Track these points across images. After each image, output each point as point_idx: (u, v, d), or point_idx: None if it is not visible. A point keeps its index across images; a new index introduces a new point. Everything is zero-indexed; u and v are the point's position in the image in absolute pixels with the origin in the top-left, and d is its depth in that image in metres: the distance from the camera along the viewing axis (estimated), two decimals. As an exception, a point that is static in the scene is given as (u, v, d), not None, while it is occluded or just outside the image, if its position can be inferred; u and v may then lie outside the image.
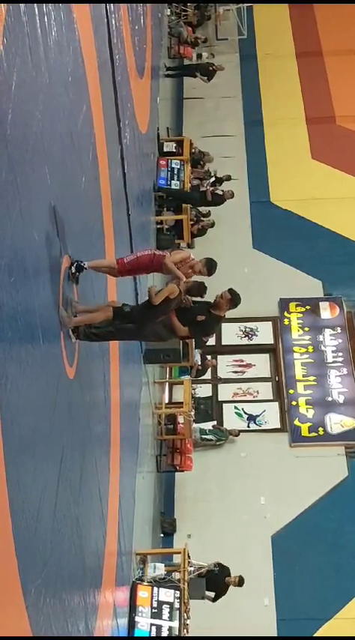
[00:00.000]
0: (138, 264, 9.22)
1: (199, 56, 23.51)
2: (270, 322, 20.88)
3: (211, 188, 20.46)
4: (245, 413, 19.25)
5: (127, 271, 9.34)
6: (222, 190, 20.32)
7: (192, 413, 16.86)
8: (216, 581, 14.38)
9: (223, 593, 14.45)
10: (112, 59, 12.46)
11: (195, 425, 17.48)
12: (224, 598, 14.63)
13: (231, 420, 19.00)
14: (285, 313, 20.91)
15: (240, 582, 14.38)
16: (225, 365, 20.19)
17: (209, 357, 19.05)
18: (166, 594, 12.91)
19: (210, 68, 24.21)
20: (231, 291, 9.24)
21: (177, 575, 13.67)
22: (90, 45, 10.60)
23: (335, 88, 26.40)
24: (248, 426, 18.98)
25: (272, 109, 26.05)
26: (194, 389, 18.28)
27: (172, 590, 13.00)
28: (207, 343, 18.33)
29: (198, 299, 9.70)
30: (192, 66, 25.02)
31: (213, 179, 21.10)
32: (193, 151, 21.54)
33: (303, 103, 26.18)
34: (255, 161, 24.45)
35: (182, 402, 17.02)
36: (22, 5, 6.85)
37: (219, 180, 21.50)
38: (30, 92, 7.16)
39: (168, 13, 25.52)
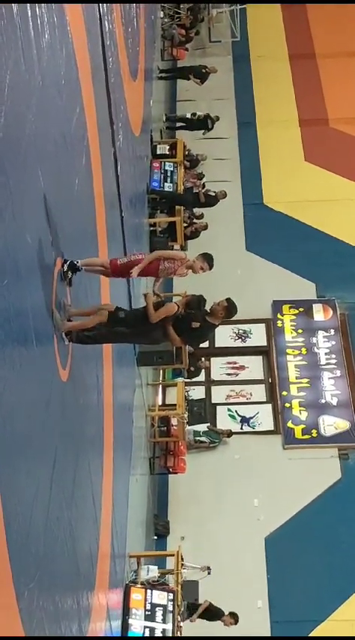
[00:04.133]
0: (132, 266, 9.21)
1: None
2: (263, 324, 20.89)
3: (204, 189, 20.46)
4: (238, 415, 19.25)
5: (120, 273, 9.33)
6: (215, 192, 20.34)
7: (186, 415, 16.86)
8: (210, 617, 14.48)
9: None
10: (105, 61, 12.46)
11: (188, 427, 17.48)
12: (217, 600, 14.66)
13: (224, 422, 19.00)
14: (278, 315, 20.92)
15: (236, 621, 14.45)
16: (219, 367, 20.19)
17: (202, 358, 19.05)
18: (160, 596, 12.91)
19: (203, 70, 24.22)
20: (228, 300, 9.21)
21: (170, 578, 13.67)
22: (83, 47, 10.59)
23: (328, 90, 26.44)
24: (241, 428, 18.98)
25: (265, 111, 26.08)
26: (187, 391, 18.27)
27: (166, 593, 13.00)
28: (200, 346, 18.33)
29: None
30: (185, 68, 25.03)
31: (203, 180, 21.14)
32: (187, 153, 21.55)
33: (296, 106, 26.20)
34: (248, 163, 24.47)
35: (175, 404, 17.01)
36: (14, 7, 6.84)
37: (212, 121, 21.83)
38: (23, 94, 7.16)
39: (162, 16, 25.53)
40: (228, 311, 9.23)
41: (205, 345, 18.85)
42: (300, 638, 15.66)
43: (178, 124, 23.55)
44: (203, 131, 23.26)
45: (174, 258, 9.25)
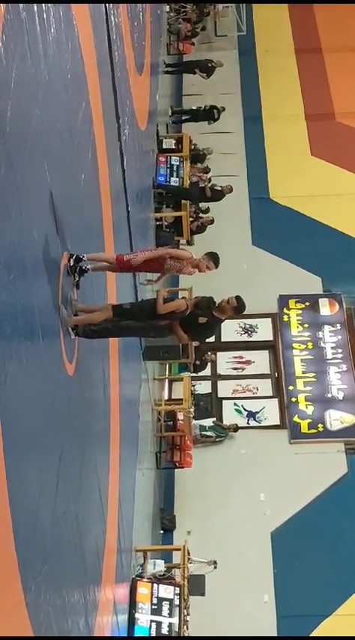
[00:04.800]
0: (137, 267, 9.22)
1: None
2: (270, 319, 20.88)
3: (210, 183, 20.45)
4: (244, 409, 19.25)
5: (126, 268, 9.34)
6: (221, 186, 20.31)
7: (192, 409, 16.87)
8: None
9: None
10: (111, 56, 12.45)
11: (194, 422, 17.49)
12: (224, 594, 14.67)
13: (230, 417, 19.00)
14: (285, 310, 20.91)
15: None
16: (225, 362, 20.19)
17: (209, 352, 19.04)
18: (166, 591, 12.92)
19: (209, 65, 24.19)
20: (238, 298, 9.21)
21: (177, 572, 13.68)
22: (89, 42, 10.59)
23: (335, 84, 26.40)
24: (247, 423, 18.98)
25: (271, 105, 26.06)
26: (193, 385, 18.28)
27: (172, 587, 13.01)
28: (207, 340, 18.31)
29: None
30: (191, 62, 25.01)
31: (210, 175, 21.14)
32: (193, 147, 21.54)
33: (302, 100, 26.18)
34: (255, 158, 24.45)
35: (181, 399, 17.03)
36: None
37: (218, 111, 21.92)
38: (29, 89, 7.16)
39: (167, 10, 25.50)
40: (236, 310, 9.25)
41: (211, 339, 18.85)
42: (300, 638, 15.65)
43: (184, 117, 23.55)
44: (209, 121, 23.25)
45: (181, 258, 9.24)
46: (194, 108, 23.43)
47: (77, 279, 8.76)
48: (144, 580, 12.88)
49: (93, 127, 10.63)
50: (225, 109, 23.20)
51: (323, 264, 21.66)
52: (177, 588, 13.09)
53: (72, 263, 8.60)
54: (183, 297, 9.54)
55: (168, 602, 12.77)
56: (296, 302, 21.04)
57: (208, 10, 27.52)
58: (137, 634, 12.10)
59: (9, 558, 5.94)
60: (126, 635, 11.84)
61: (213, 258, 9.32)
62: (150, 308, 8.88)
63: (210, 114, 23.14)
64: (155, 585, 12.85)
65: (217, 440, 18.28)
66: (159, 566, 13.36)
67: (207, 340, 18.16)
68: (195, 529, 16.70)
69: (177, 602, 12.86)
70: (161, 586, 12.90)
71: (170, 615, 12.69)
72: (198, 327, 9.17)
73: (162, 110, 21.50)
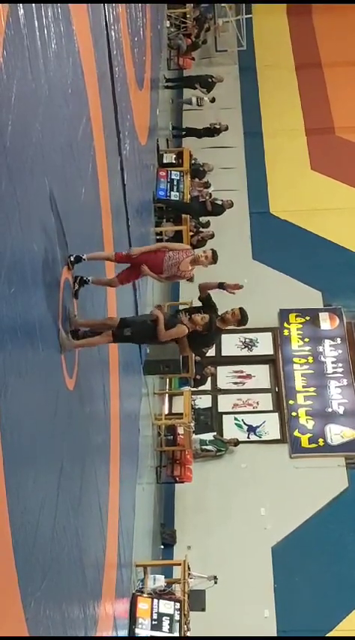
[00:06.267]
0: (136, 258, 9.22)
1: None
2: (270, 333, 20.88)
3: (210, 198, 20.47)
4: (245, 424, 19.23)
5: (126, 260, 9.34)
6: (222, 200, 20.34)
7: (192, 424, 16.84)
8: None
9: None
10: (112, 71, 12.49)
11: (194, 436, 17.46)
12: (224, 609, 14.60)
13: (231, 431, 18.97)
14: (285, 324, 20.91)
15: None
16: (225, 376, 20.17)
17: (209, 366, 19.02)
18: (166, 606, 12.88)
19: (210, 80, 24.26)
20: (241, 311, 9.23)
21: (177, 587, 13.64)
22: (89, 57, 10.62)
23: (334, 99, 26.47)
24: (248, 437, 18.95)
25: (271, 120, 26.13)
26: (194, 400, 18.26)
27: (172, 602, 12.96)
28: (207, 354, 18.31)
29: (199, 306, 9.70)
30: (191, 77, 25.08)
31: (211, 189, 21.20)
32: (193, 162, 21.58)
33: (303, 114, 26.25)
34: (255, 172, 24.49)
35: (182, 413, 16.99)
36: (22, 17, 6.87)
37: (217, 131, 22.14)
38: (30, 104, 7.18)
39: (168, 25, 25.58)
40: (239, 322, 9.27)
41: (211, 353, 18.89)
42: (300, 637, 15.60)
43: (184, 133, 23.64)
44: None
45: (178, 249, 9.29)
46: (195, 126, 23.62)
47: (76, 288, 8.75)
48: (145, 595, 12.84)
49: (93, 142, 10.65)
50: (228, 128, 23.29)
51: (323, 278, 21.67)
52: (178, 603, 13.05)
53: (72, 260, 8.60)
54: (183, 310, 9.49)
55: (168, 618, 12.73)
56: (296, 316, 21.04)
57: (208, 25, 27.61)
58: (137, 649, 12.07)
59: (8, 573, 5.92)
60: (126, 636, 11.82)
61: (211, 251, 9.38)
62: (151, 333, 8.85)
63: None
64: (155, 600, 12.81)
65: (217, 454, 18.24)
66: (160, 581, 13.32)
67: (208, 354, 18.31)
68: (195, 544, 16.65)
69: (177, 617, 12.82)
70: (161, 601, 12.86)
71: (170, 631, 12.64)
72: (199, 338, 9.17)
73: (162, 125, 21.55)
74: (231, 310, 9.21)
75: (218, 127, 23.37)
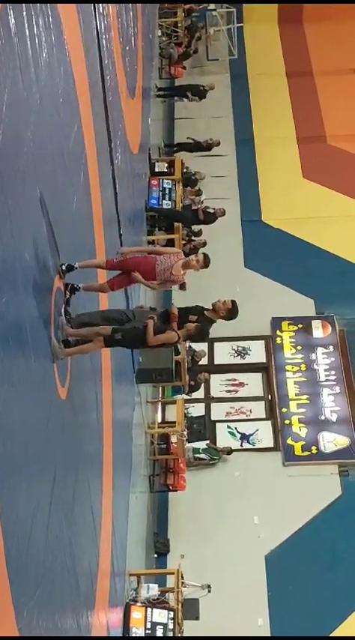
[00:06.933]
0: (128, 263, 9.23)
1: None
2: (263, 341, 20.87)
3: (202, 206, 20.50)
4: (238, 432, 19.21)
5: (118, 266, 9.34)
6: (214, 209, 20.37)
7: (185, 432, 16.82)
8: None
9: None
10: (103, 80, 12.51)
11: (188, 444, 17.43)
12: (218, 618, 14.57)
13: (224, 439, 18.95)
14: (278, 332, 20.91)
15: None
16: (218, 384, 20.16)
17: (202, 372, 18.98)
18: (160, 615, 12.85)
19: (201, 88, 24.33)
20: (233, 302, 9.25)
21: (170, 596, 13.61)
22: (81, 66, 10.64)
23: (326, 107, 26.55)
24: (241, 445, 18.93)
25: (263, 128, 26.18)
26: (187, 408, 18.24)
27: (166, 611, 12.94)
28: (200, 362, 18.32)
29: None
30: (183, 86, 25.14)
31: (202, 197, 21.23)
32: (185, 171, 21.61)
33: (294, 123, 26.31)
34: (247, 180, 24.53)
35: (175, 422, 16.98)
36: (13, 27, 6.87)
37: (209, 147, 22.32)
38: (21, 112, 7.18)
39: (159, 34, 25.65)
40: (230, 312, 9.26)
41: (204, 362, 18.89)
42: (299, 638, 15.58)
43: (175, 148, 23.67)
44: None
45: (168, 252, 9.31)
46: (186, 141, 23.59)
47: (68, 296, 8.75)
48: (138, 604, 12.82)
49: (85, 151, 10.66)
50: (220, 143, 23.32)
51: (315, 286, 21.69)
52: (171, 612, 13.03)
53: (64, 268, 8.60)
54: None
55: (162, 627, 12.71)
56: (289, 324, 21.04)
57: (199, 34, 27.68)
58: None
59: (1, 583, 5.90)
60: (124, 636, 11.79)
61: (204, 255, 9.39)
62: (142, 337, 8.87)
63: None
64: (149, 609, 12.79)
65: (211, 463, 18.22)
66: (153, 590, 13.30)
67: (201, 363, 18.32)
68: (188, 552, 16.61)
69: (171, 626, 12.80)
70: (155, 610, 12.84)
71: None
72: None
73: (154, 133, 21.58)
74: (223, 300, 9.23)
75: (210, 142, 23.39)
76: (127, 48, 16.25)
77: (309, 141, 25.66)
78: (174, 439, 16.91)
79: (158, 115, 23.60)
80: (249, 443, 19.05)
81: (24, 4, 7.35)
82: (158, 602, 13.11)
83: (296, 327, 20.97)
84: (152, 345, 8.85)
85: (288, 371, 20.17)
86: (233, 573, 16.29)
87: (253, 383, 20.34)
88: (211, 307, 9.29)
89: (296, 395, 19.69)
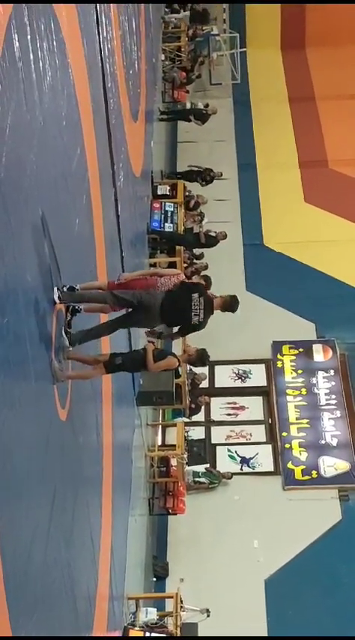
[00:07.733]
0: (129, 285, 9.20)
1: (193, 104, 23.95)
2: (263, 365, 20.87)
3: (204, 229, 20.55)
4: (238, 455, 19.19)
5: (118, 289, 9.30)
6: (216, 232, 20.43)
7: (185, 455, 16.80)
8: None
9: None
10: (106, 103, 12.58)
11: (187, 467, 17.41)
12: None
13: (224, 463, 18.93)
14: (278, 356, 20.91)
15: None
16: (218, 407, 20.15)
17: (202, 395, 18.98)
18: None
19: (204, 112, 24.45)
20: (232, 296, 9.24)
21: (169, 620, 13.55)
22: (84, 89, 10.70)
23: (328, 132, 26.68)
24: (241, 469, 18.91)
25: (265, 152, 26.30)
26: (187, 431, 18.22)
27: (164, 635, 12.87)
28: (200, 385, 18.32)
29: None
30: (186, 110, 25.25)
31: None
32: (187, 194, 21.68)
33: (296, 147, 26.43)
34: (249, 204, 24.62)
35: (175, 445, 16.96)
36: (17, 50, 6.92)
37: (212, 179, 22.50)
38: (24, 135, 7.22)
39: (163, 58, 25.81)
40: (227, 304, 9.21)
41: (205, 384, 18.89)
42: (300, 638, 15.48)
43: (178, 175, 23.76)
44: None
45: (169, 274, 9.28)
46: (187, 169, 23.67)
47: (69, 318, 8.75)
48: (137, 628, 12.76)
49: (88, 173, 10.70)
50: (222, 174, 23.38)
51: (316, 310, 21.72)
52: (170, 637, 12.95)
53: (65, 290, 8.58)
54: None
55: (160, 651, 12.65)
56: (289, 348, 21.05)
57: (203, 59, 27.86)
58: None
59: (-1, 605, 5.88)
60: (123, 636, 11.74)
61: (205, 277, 9.38)
62: (142, 360, 8.89)
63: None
64: (147, 634, 12.74)
65: (210, 486, 18.18)
66: (152, 614, 13.25)
67: (201, 385, 18.31)
68: (187, 576, 16.56)
69: (169, 650, 12.74)
70: (153, 634, 12.79)
71: (162, 664, 12.55)
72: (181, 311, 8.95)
73: (156, 156, 21.67)
74: (223, 295, 9.23)
75: (212, 174, 23.45)
76: (131, 72, 16.35)
77: (311, 165, 25.78)
78: (174, 462, 16.88)
79: (161, 138, 23.69)
80: (249, 466, 19.03)
81: (28, 28, 7.41)
82: (156, 627, 13.06)
83: (297, 351, 20.98)
84: (152, 370, 8.86)
85: (289, 395, 20.17)
86: (232, 597, 16.22)
87: (253, 406, 20.33)
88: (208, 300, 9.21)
89: (297, 419, 19.67)
